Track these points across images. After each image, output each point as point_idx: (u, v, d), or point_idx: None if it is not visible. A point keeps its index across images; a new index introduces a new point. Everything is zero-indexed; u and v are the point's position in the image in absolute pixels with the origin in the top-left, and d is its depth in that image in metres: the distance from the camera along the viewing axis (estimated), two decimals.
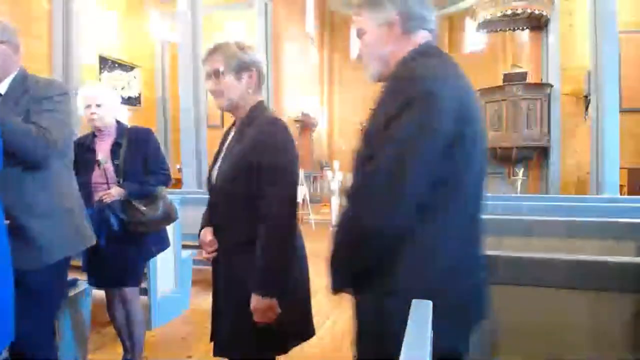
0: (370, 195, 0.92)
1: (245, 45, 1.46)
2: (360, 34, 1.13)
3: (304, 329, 1.48)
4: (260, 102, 1.48)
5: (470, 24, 10.26)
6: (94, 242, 1.71)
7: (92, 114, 2.16)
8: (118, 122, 2.27)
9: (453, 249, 0.98)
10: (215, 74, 1.42)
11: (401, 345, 0.97)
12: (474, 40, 12.27)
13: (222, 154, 1.50)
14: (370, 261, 0.97)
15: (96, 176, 2.14)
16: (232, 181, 1.39)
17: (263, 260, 1.31)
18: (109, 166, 2.14)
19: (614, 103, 5.93)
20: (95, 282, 2.19)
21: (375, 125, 0.97)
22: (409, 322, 0.61)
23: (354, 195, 0.96)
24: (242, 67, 1.42)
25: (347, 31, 12.95)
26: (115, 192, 2.11)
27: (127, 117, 2.35)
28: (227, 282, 1.44)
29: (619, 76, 6.26)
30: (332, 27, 14.37)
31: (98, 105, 2.16)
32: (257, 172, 1.35)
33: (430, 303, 0.87)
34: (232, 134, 1.52)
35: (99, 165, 2.12)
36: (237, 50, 1.43)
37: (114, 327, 2.26)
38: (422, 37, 1.08)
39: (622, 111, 6.17)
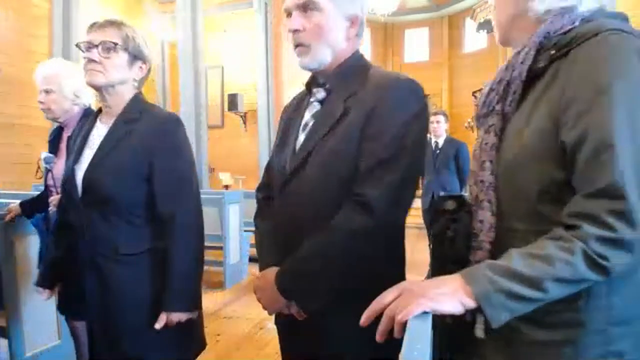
0: (397, 203, 1.00)
1: (147, 41, 1.39)
2: (311, 7, 1.03)
3: (202, 340, 1.41)
4: (139, 95, 1.37)
5: (470, 24, 10.25)
6: None
7: (39, 102, 1.79)
8: (87, 109, 1.86)
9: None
10: (107, 47, 1.26)
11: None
12: (474, 40, 12.26)
13: (86, 151, 1.33)
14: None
15: (49, 178, 1.81)
16: (117, 187, 1.25)
17: (180, 276, 1.22)
18: (58, 167, 1.76)
19: None
20: (60, 308, 1.75)
21: (350, 139, 1.01)
22: (409, 323, 0.61)
23: (381, 204, 0.97)
24: (139, 55, 1.33)
25: None
26: (56, 201, 1.67)
27: (92, 101, 1.93)
28: (109, 300, 1.27)
29: None
30: None
31: (46, 92, 1.78)
32: (156, 179, 1.25)
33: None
34: (98, 126, 1.36)
35: (40, 165, 1.79)
36: (140, 39, 1.34)
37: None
38: (360, 43, 1.13)
39: None
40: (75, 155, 1.33)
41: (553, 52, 0.77)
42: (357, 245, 0.97)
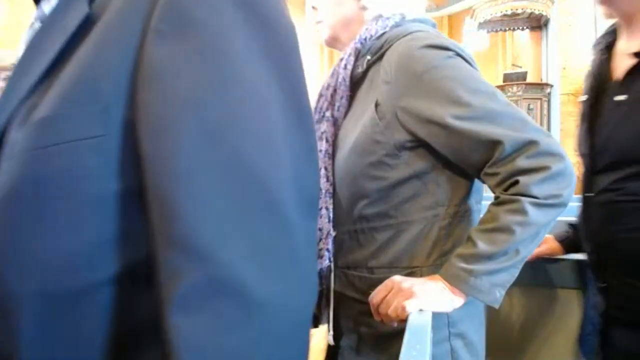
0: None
1: None
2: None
3: None
4: None
5: (470, 24, 10.23)
6: None
7: None
8: None
9: None
10: None
11: None
12: (474, 40, 12.26)
13: None
14: None
15: None
16: None
17: None
18: None
19: None
20: None
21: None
22: (407, 327, 0.60)
23: None
24: None
25: None
26: None
27: None
28: None
29: None
30: None
31: None
32: None
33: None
34: None
35: None
36: None
37: None
38: None
39: None
40: None
41: (369, 57, 0.81)
42: None
